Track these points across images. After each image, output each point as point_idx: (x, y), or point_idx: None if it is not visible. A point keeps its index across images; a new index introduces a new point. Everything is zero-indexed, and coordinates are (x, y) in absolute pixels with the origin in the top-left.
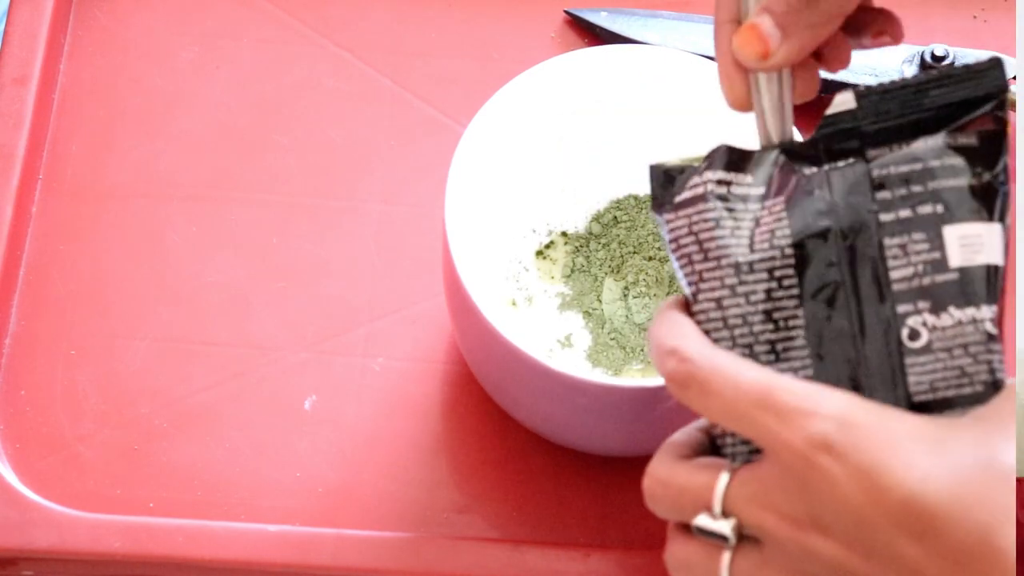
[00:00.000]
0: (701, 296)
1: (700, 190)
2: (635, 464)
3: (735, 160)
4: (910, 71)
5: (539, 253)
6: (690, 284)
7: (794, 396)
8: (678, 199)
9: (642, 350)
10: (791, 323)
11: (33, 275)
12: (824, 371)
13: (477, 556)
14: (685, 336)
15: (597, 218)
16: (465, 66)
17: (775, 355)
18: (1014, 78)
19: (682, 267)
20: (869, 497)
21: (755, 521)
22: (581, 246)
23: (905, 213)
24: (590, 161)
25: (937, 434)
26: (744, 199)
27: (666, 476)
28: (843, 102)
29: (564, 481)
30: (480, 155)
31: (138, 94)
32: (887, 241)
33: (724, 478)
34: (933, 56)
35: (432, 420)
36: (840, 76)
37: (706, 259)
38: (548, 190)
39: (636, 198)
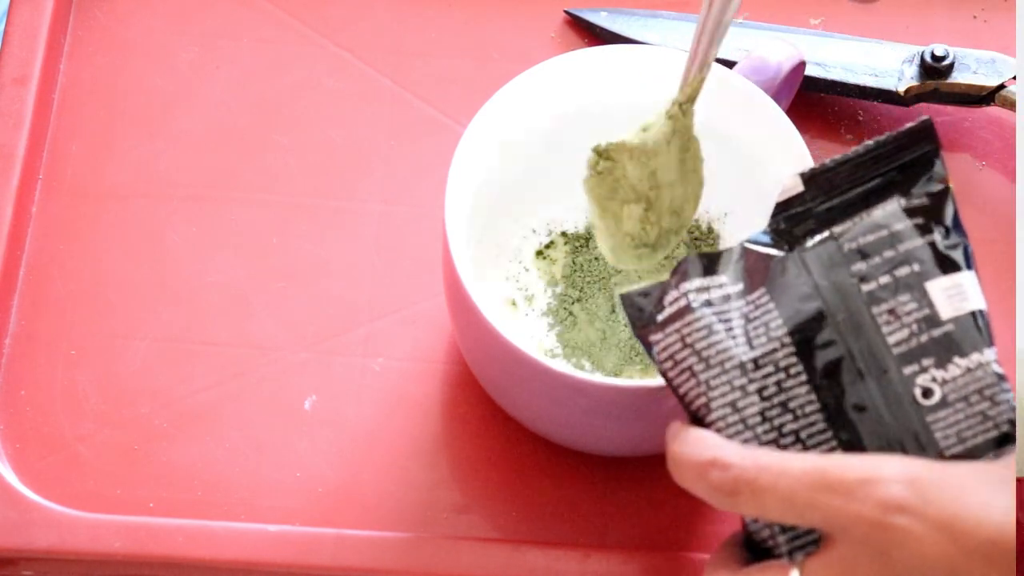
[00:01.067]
0: (714, 404)
1: (683, 303)
2: (635, 464)
3: (705, 265)
4: (910, 71)
5: (539, 253)
6: (698, 396)
7: (851, 469)
8: (660, 317)
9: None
10: (808, 409)
11: (33, 275)
12: (851, 448)
13: (477, 556)
14: (718, 446)
15: None
16: (465, 66)
17: (801, 444)
18: (1014, 78)
19: (683, 382)
20: (956, 545)
21: None
22: (581, 246)
23: (885, 279)
24: None
25: (999, 473)
26: (726, 299)
27: None
28: (791, 188)
29: (564, 481)
30: (480, 155)
31: (138, 94)
32: (875, 309)
33: (795, 574)
34: (933, 56)
35: (432, 420)
36: (840, 76)
37: (708, 367)
38: (548, 190)
39: None
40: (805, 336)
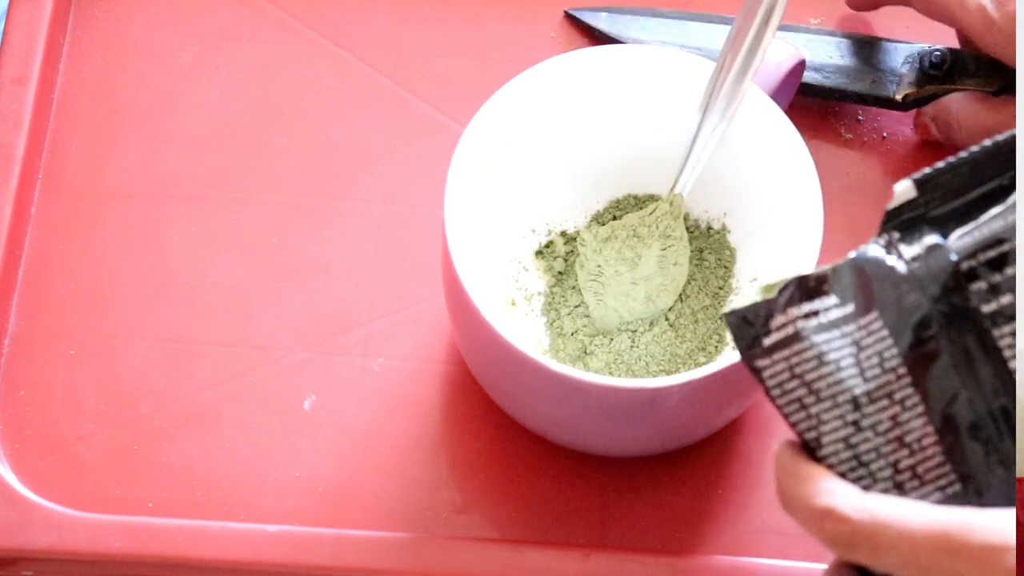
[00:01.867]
0: (825, 440)
1: (790, 330)
2: (635, 464)
3: (813, 286)
4: (908, 76)
5: (539, 253)
6: (809, 429)
7: (976, 533)
8: (767, 342)
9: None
10: (924, 442)
11: (33, 275)
12: (972, 481)
13: (477, 556)
14: (832, 492)
15: (597, 218)
16: (465, 66)
17: (918, 479)
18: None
19: (792, 412)
20: None
21: None
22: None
23: (1007, 299)
24: (590, 161)
25: None
26: (836, 325)
27: None
28: (903, 193)
29: (564, 481)
30: (480, 155)
31: (138, 94)
32: (996, 332)
33: None
34: (931, 63)
35: (432, 420)
36: (837, 83)
37: (819, 400)
38: (548, 190)
39: (635, 198)
40: (921, 365)
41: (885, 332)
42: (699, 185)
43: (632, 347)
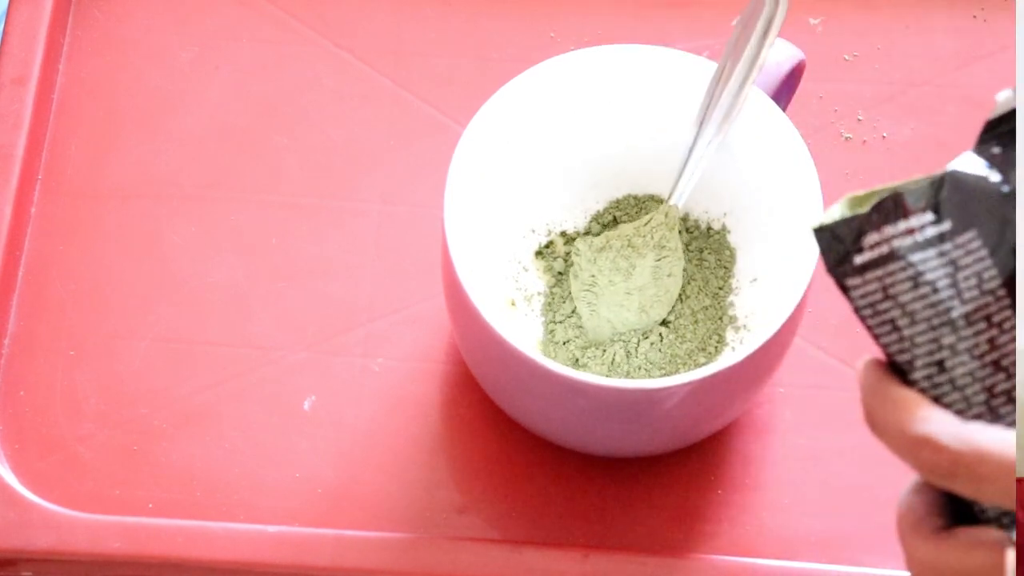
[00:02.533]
0: (919, 363)
1: (885, 249)
2: (635, 464)
3: (909, 201)
4: None
5: (538, 253)
6: (901, 352)
7: None
8: (859, 260)
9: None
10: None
11: (33, 275)
12: None
13: (477, 556)
14: (928, 420)
15: (596, 218)
16: (465, 66)
17: (1012, 403)
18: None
19: (884, 334)
20: None
21: None
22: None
23: None
24: (590, 161)
25: None
26: (932, 243)
27: (937, 561)
28: (1005, 102)
29: (564, 481)
30: (480, 155)
31: (138, 94)
32: None
33: (1011, 557)
34: None
35: (432, 420)
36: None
37: (914, 322)
38: (548, 190)
39: (635, 198)
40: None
41: (984, 251)
42: (699, 185)
43: (628, 357)
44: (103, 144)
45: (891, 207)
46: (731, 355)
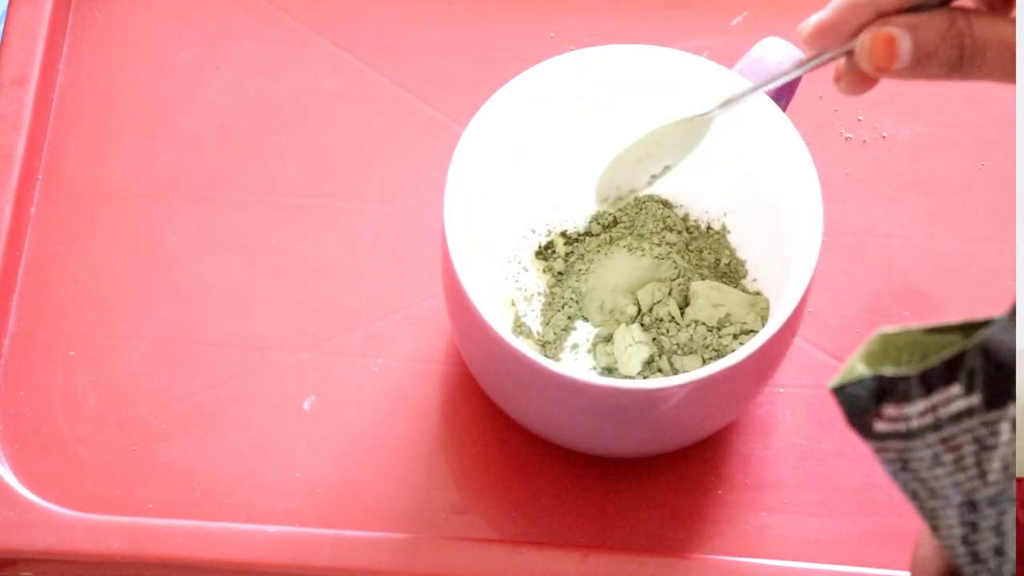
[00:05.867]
0: (942, 533)
1: (902, 427)
2: (635, 464)
3: (936, 375)
4: None
5: (538, 253)
6: (925, 518)
7: None
8: (879, 428)
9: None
10: None
11: (33, 275)
12: None
13: (477, 557)
14: None
15: (597, 218)
16: (465, 66)
17: None
18: None
19: (909, 496)
20: None
21: None
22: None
23: None
24: (590, 161)
25: None
26: (957, 418)
27: None
28: None
29: (564, 481)
30: (480, 155)
31: (138, 94)
32: None
33: None
34: None
35: (432, 420)
36: None
37: (934, 497)
38: (548, 190)
39: (635, 198)
40: None
41: (1010, 435)
42: (699, 185)
43: (626, 348)
44: (103, 144)
45: (910, 387)
46: (731, 355)
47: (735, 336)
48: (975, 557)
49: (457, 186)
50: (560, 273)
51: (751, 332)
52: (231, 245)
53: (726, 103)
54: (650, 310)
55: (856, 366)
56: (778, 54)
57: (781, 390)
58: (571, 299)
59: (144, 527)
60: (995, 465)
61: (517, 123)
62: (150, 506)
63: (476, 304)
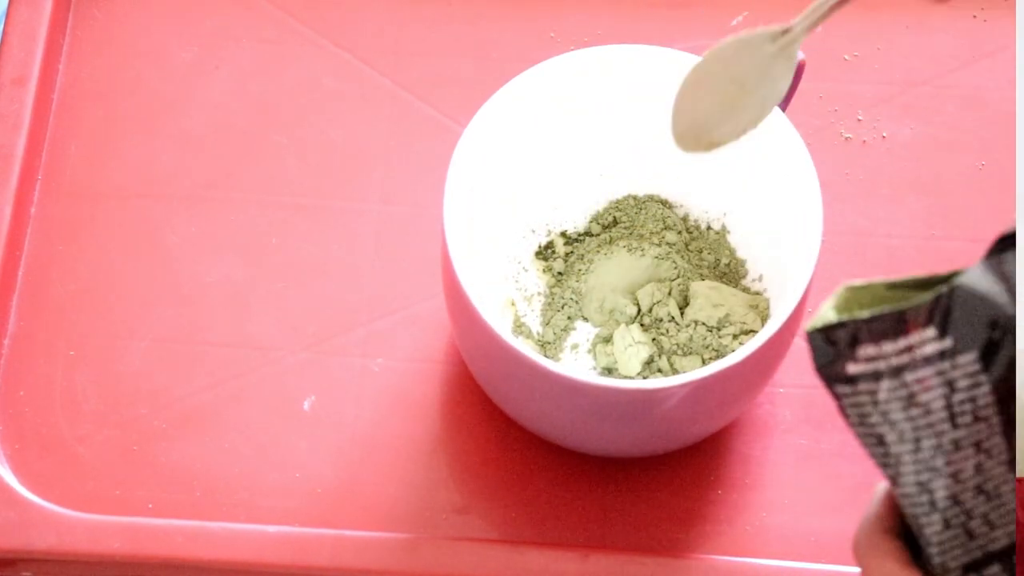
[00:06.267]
0: (903, 480)
1: (881, 365)
2: (635, 465)
3: (912, 316)
4: None
5: (538, 253)
6: (885, 467)
7: None
8: (852, 371)
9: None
10: (1002, 489)
11: (33, 275)
12: None
13: (476, 556)
14: (890, 573)
15: (596, 218)
16: (465, 66)
17: (988, 526)
18: None
19: (871, 445)
20: None
21: None
22: (580, 246)
23: None
24: (590, 161)
25: None
26: (931, 361)
27: None
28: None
29: (564, 481)
30: (480, 155)
31: (137, 94)
32: None
33: None
34: None
35: (432, 420)
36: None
37: (902, 441)
38: (548, 190)
39: (635, 198)
40: (1014, 413)
41: (984, 378)
42: (699, 185)
43: (626, 348)
44: (103, 144)
45: (892, 321)
46: (731, 355)
47: (735, 336)
48: (933, 506)
49: (457, 186)
50: (560, 273)
51: (751, 332)
52: (231, 245)
53: (812, 15)
54: (650, 310)
55: (828, 313)
56: None
57: (781, 390)
58: (571, 299)
59: (144, 527)
60: (964, 408)
61: (517, 123)
62: (150, 506)
63: (476, 304)
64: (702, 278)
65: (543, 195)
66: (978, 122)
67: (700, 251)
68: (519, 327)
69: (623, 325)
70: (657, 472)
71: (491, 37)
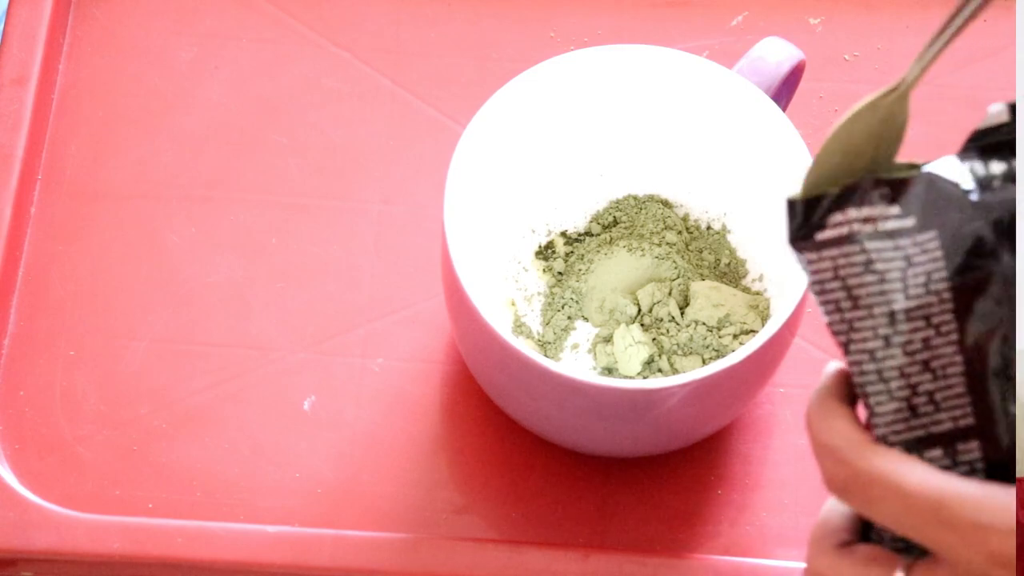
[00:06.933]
0: (853, 347)
1: (844, 230)
2: (635, 465)
3: (881, 191)
4: None
5: (538, 253)
6: (839, 333)
7: (967, 507)
8: (819, 237)
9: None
10: (949, 371)
11: (32, 275)
12: (984, 418)
13: (476, 557)
14: (839, 432)
15: (597, 218)
16: (465, 66)
17: (934, 405)
18: None
19: (828, 312)
20: None
21: None
22: (580, 246)
23: None
24: (590, 161)
25: None
26: (893, 235)
27: (831, 573)
28: (996, 115)
29: (564, 481)
30: (480, 155)
31: (137, 94)
32: None
33: None
34: None
35: (431, 421)
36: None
37: (856, 307)
38: (548, 190)
39: (635, 198)
40: (967, 294)
41: (939, 253)
42: (699, 185)
43: (626, 348)
44: (103, 144)
45: (861, 192)
46: (731, 355)
47: (735, 336)
48: (879, 375)
49: (457, 186)
50: (560, 273)
51: (751, 332)
52: (231, 245)
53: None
54: (650, 310)
55: (809, 185)
56: (778, 54)
57: (781, 390)
58: (571, 299)
59: (144, 527)
60: (918, 280)
61: (517, 123)
62: (150, 506)
63: (476, 304)
64: (702, 278)
65: (543, 195)
66: (978, 122)
67: (700, 251)
68: (519, 327)
69: (623, 325)
70: (657, 472)
71: (491, 37)
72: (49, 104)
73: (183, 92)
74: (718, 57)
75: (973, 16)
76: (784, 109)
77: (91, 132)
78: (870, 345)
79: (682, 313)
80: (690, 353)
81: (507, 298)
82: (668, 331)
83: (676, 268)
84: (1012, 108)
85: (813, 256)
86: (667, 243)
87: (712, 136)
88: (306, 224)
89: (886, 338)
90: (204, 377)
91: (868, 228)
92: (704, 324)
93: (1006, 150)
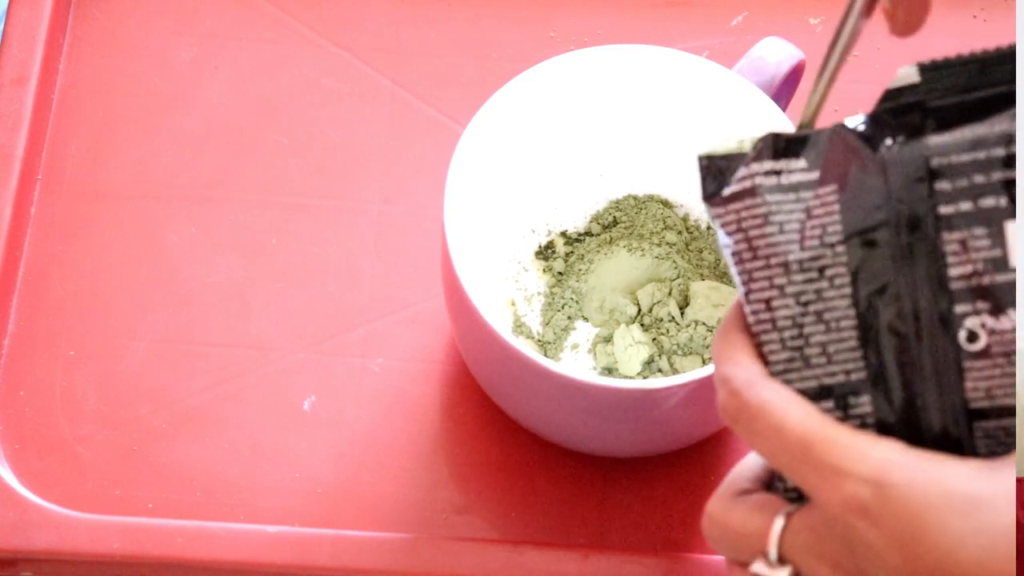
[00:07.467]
0: (751, 296)
1: (748, 184)
2: (635, 465)
3: (785, 146)
4: None
5: (538, 253)
6: (742, 284)
7: (833, 451)
8: (727, 192)
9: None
10: (843, 324)
11: (32, 275)
12: (876, 374)
13: (476, 557)
14: (737, 364)
15: (597, 218)
16: (465, 66)
17: (826, 357)
18: None
19: (734, 264)
20: (907, 564)
21: (810, 572)
22: (580, 246)
23: (966, 206)
24: (590, 161)
25: (972, 490)
26: (795, 188)
27: (723, 517)
28: (906, 76)
29: (564, 481)
30: (480, 155)
31: (137, 94)
32: (946, 236)
33: (779, 524)
34: None
35: (431, 420)
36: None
37: (755, 257)
38: (548, 190)
39: (635, 198)
40: (860, 249)
41: (837, 208)
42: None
43: (626, 348)
44: (103, 144)
45: (769, 147)
46: None
47: None
48: (774, 325)
49: (457, 186)
50: (560, 273)
51: None
52: (231, 245)
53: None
54: (650, 310)
55: (731, 142)
56: (778, 54)
57: None
58: (571, 299)
59: (144, 527)
60: (814, 232)
61: (517, 123)
62: (150, 506)
63: (476, 304)
64: (702, 278)
65: (543, 195)
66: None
67: (700, 251)
68: (519, 327)
69: (623, 325)
70: (657, 472)
71: (491, 37)
72: (49, 104)
73: (183, 92)
74: (718, 57)
75: (846, 51)
76: (784, 109)
77: (91, 132)
78: (766, 295)
79: (682, 313)
80: (690, 353)
81: (507, 298)
82: (668, 331)
83: (676, 268)
84: (921, 70)
85: (722, 211)
86: (667, 243)
87: (712, 136)
88: (306, 224)
89: (780, 288)
90: (204, 377)
91: (771, 181)
92: (704, 324)
93: (916, 113)
